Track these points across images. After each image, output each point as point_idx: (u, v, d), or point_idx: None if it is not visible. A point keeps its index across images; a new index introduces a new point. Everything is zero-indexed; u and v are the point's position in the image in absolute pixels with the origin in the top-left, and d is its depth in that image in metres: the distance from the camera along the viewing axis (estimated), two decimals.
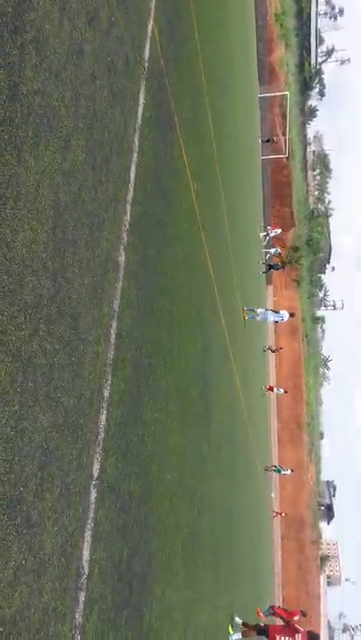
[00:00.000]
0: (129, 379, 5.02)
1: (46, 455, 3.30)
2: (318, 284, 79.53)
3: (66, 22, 3.71)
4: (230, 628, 11.40)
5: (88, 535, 3.89)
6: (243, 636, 11.46)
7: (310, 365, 55.80)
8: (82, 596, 3.75)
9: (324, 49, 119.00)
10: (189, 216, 8.51)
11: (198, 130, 9.90)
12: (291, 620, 11.33)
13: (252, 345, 22.83)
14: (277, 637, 10.95)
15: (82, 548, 3.78)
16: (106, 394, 4.40)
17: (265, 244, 34.03)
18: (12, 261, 2.93)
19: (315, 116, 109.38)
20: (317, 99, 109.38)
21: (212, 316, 11.33)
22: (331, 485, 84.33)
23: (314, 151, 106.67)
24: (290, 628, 11.00)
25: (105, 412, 4.36)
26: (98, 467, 4.15)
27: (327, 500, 76.06)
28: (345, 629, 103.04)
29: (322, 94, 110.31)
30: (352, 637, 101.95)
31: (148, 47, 6.04)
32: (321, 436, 65.38)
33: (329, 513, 77.69)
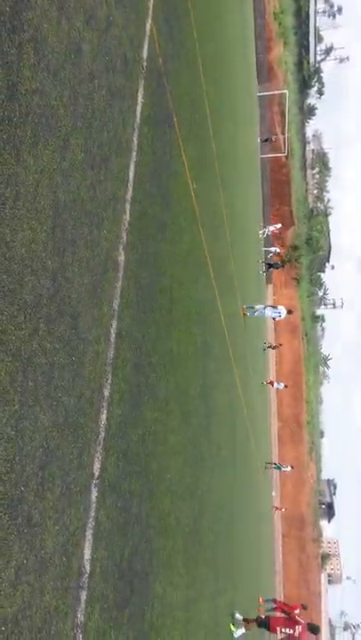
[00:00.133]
0: (129, 378, 5.02)
1: (47, 454, 3.31)
2: (318, 283, 79.52)
3: (64, 21, 3.71)
4: (232, 626, 11.45)
5: (89, 534, 3.89)
6: (243, 621, 11.58)
7: (310, 364, 55.81)
8: (83, 595, 3.76)
9: (323, 47, 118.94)
10: (189, 215, 8.51)
11: (197, 128, 9.89)
12: (292, 613, 11.42)
13: (252, 343, 22.84)
14: (278, 629, 11.07)
15: (83, 547, 3.78)
16: (106, 393, 4.40)
17: (263, 242, 34.04)
18: (11, 261, 2.93)
19: (314, 115, 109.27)
20: (316, 97, 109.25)
21: (212, 315, 11.32)
22: (331, 484, 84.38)
23: (313, 150, 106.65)
24: (290, 620, 11.13)
25: (105, 411, 4.36)
26: (98, 466, 4.16)
27: (328, 499, 76.11)
28: (346, 627, 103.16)
29: (321, 93, 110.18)
30: (353, 635, 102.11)
31: (146, 46, 6.04)
32: (321, 434, 65.41)
33: (330, 511, 77.76)
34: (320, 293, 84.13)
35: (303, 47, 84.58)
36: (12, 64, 2.96)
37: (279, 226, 34.99)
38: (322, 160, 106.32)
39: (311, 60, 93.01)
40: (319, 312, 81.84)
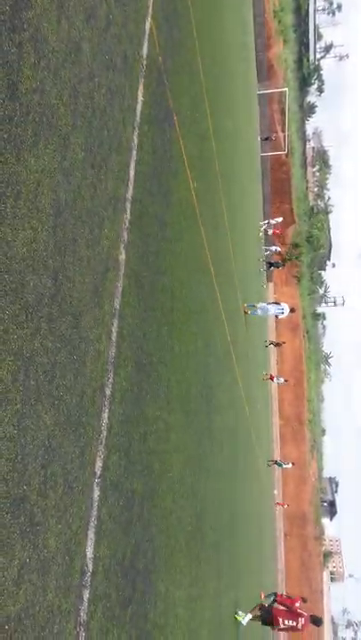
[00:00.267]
0: (130, 377, 5.03)
1: (49, 453, 3.31)
2: (319, 281, 79.49)
3: (64, 20, 3.70)
4: (240, 613, 11.68)
5: (91, 533, 3.90)
6: (251, 615, 11.81)
7: (311, 362, 55.79)
8: (86, 594, 3.76)
9: (323, 45, 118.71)
10: (189, 214, 8.51)
11: (197, 127, 9.89)
12: (293, 606, 11.49)
13: (253, 342, 22.83)
14: (281, 620, 11.16)
15: (85, 546, 3.79)
16: (108, 392, 4.40)
17: (264, 241, 34.03)
18: (12, 260, 2.93)
19: (314, 113, 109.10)
20: (316, 95, 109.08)
21: (213, 314, 11.32)
22: (333, 482, 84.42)
23: (313, 147, 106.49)
24: (293, 613, 11.20)
25: (107, 409, 4.37)
26: (100, 464, 4.16)
27: (330, 497, 76.14)
28: (348, 625, 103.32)
29: (321, 90, 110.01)
30: (355, 633, 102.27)
31: (146, 45, 6.03)
32: (323, 432, 65.42)
33: (331, 509, 77.78)
34: (321, 291, 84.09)
35: (303, 45, 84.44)
36: (12, 63, 2.96)
37: (280, 219, 34.96)
38: (322, 158, 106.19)
39: (311, 57, 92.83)
40: (320, 310, 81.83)
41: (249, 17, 35.54)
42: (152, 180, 6.06)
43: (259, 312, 19.35)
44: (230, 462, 13.22)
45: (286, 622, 11.26)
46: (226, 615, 10.87)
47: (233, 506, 13.19)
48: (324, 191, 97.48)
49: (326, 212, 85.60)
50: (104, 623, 4.06)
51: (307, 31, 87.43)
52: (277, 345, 37.29)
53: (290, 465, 34.73)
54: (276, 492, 36.24)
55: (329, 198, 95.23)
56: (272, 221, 33.99)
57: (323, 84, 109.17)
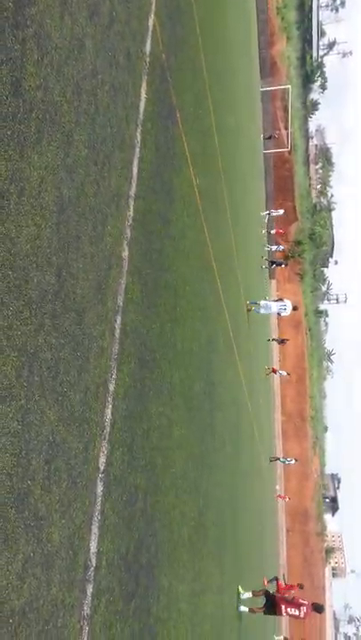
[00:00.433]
0: (134, 373, 5.05)
1: (53, 449, 3.33)
2: (321, 278, 79.35)
3: (67, 17, 3.71)
4: (240, 588, 11.91)
5: (95, 528, 3.92)
6: (252, 595, 12.09)
7: (314, 359, 55.77)
8: (89, 588, 3.79)
9: (326, 42, 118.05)
10: (192, 211, 8.51)
11: (200, 124, 9.88)
12: (295, 598, 11.79)
13: (255, 339, 22.84)
14: (284, 609, 11.52)
15: (89, 541, 3.82)
16: (111, 388, 4.43)
17: (267, 239, 34.01)
18: (16, 257, 2.95)
19: (317, 110, 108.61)
20: (319, 92, 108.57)
21: (216, 311, 11.34)
22: (335, 478, 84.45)
23: (316, 145, 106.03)
24: (294, 603, 11.54)
25: (110, 405, 4.39)
26: (104, 460, 4.19)
27: (331, 493, 76.19)
28: (350, 620, 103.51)
29: (324, 87, 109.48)
30: (357, 628, 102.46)
31: (149, 42, 6.03)
32: (325, 429, 65.42)
33: (333, 505, 77.86)
34: (323, 288, 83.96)
35: (306, 42, 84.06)
36: (15, 60, 2.97)
37: (282, 211, 34.87)
38: (325, 155, 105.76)
39: (314, 54, 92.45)
40: (323, 307, 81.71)
41: (252, 14, 35.42)
42: (155, 177, 6.07)
43: (262, 310, 19.29)
44: (233, 458, 13.25)
45: (289, 611, 11.58)
46: (228, 610, 10.92)
47: (235, 501, 13.23)
48: (327, 188, 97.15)
49: (329, 209, 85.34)
50: (107, 617, 4.09)
51: (310, 28, 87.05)
52: (281, 342, 37.31)
53: (293, 461, 34.78)
54: (278, 487, 36.30)
55: (332, 196, 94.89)
56: (273, 212, 33.91)
57: (326, 82, 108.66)
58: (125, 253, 4.86)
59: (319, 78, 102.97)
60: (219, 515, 10.07)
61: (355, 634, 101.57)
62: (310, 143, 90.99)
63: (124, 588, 4.45)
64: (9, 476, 2.83)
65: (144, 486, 5.17)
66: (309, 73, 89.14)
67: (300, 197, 51.80)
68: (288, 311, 20.08)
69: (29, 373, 3.07)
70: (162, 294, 6.29)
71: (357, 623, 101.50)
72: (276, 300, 21.00)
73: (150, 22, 6.11)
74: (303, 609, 11.48)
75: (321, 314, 78.34)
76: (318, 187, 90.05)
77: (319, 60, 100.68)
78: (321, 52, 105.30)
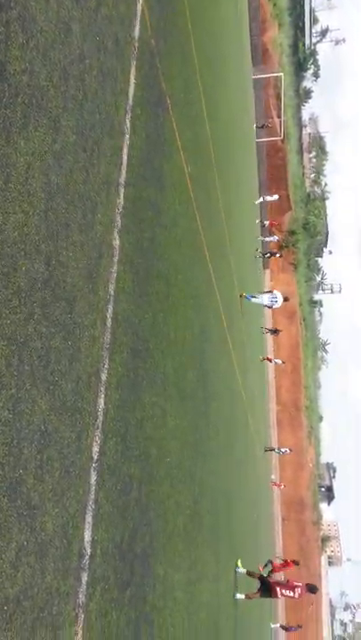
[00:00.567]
0: (126, 362, 5.03)
1: (45, 438, 3.32)
2: (316, 268, 79.34)
3: (52, 0, 3.64)
4: (239, 562, 12.22)
5: (89, 517, 3.92)
6: (247, 574, 12.36)
7: (308, 349, 55.96)
8: (84, 577, 3.80)
9: (319, 29, 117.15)
10: (184, 199, 8.45)
11: (191, 111, 9.79)
12: (289, 580, 12.02)
13: (249, 328, 22.86)
14: (279, 591, 11.78)
15: (83, 530, 3.81)
16: (103, 377, 4.41)
17: (261, 231, 33.95)
18: (3, 244, 2.90)
19: (310, 98, 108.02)
20: (312, 80, 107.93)
21: (209, 301, 11.31)
22: (331, 467, 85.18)
23: (309, 133, 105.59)
24: (289, 585, 11.81)
25: (103, 395, 4.37)
26: (97, 449, 4.18)
27: (327, 482, 76.84)
28: (346, 607, 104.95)
29: (316, 75, 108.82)
30: (353, 615, 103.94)
31: (137, 26, 5.94)
32: (320, 418, 65.83)
33: (329, 494, 78.53)
34: (318, 278, 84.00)
35: (298, 29, 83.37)
36: (0, 43, 2.91)
37: (276, 197, 34.75)
38: (319, 144, 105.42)
39: (307, 42, 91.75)
40: (317, 297, 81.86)
41: None
42: (145, 164, 6.01)
43: (253, 300, 19.31)
44: (227, 448, 13.30)
45: (284, 592, 11.83)
46: (224, 598, 11.02)
47: (230, 490, 13.30)
48: (321, 177, 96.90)
49: (323, 198, 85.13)
50: (103, 605, 4.10)
51: (302, 15, 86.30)
52: (274, 332, 37.41)
53: (288, 451, 35.07)
54: (273, 476, 36.56)
55: (326, 185, 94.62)
56: (268, 197, 33.77)
57: (319, 69, 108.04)
58: (116, 242, 4.82)
59: (312, 66, 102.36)
60: (213, 504, 10.11)
61: (351, 620, 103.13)
62: (304, 132, 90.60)
63: (119, 576, 4.46)
64: (0, 465, 2.81)
65: (138, 476, 5.17)
66: (302, 60, 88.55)
67: (294, 186, 51.68)
68: (279, 303, 20.07)
69: (19, 362, 3.04)
70: (154, 283, 6.25)
71: (353, 610, 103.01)
72: (268, 292, 20.99)
73: (139, 6, 6.01)
74: (298, 590, 11.73)
75: (315, 304, 78.50)
76: (312, 176, 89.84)
77: (312, 47, 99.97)
78: (314, 40, 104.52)
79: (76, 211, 3.91)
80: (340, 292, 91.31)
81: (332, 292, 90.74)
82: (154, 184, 6.38)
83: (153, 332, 6.10)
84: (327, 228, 79.96)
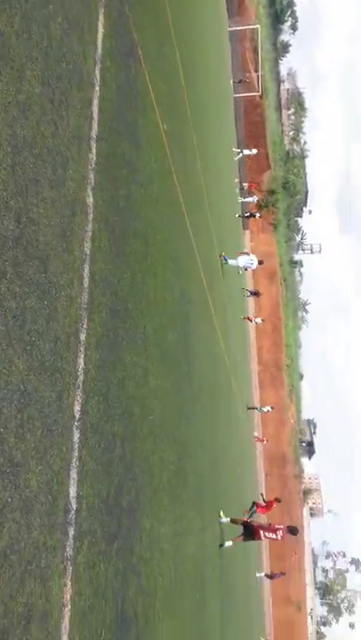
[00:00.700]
0: (105, 323, 5.00)
1: (25, 397, 3.31)
2: (295, 228, 79.17)
3: None
4: (221, 513, 12.60)
5: (74, 473, 3.97)
6: (231, 522, 12.84)
7: (289, 309, 56.52)
8: (71, 531, 3.88)
9: None
10: (160, 156, 8.25)
11: (165, 64, 9.44)
12: (271, 524, 12.47)
13: (230, 289, 22.91)
14: (262, 534, 12.31)
15: (68, 486, 3.87)
16: (82, 337, 4.38)
17: (240, 193, 33.57)
18: None
19: (288, 52, 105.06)
20: (290, 33, 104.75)
21: (189, 261, 11.24)
22: (311, 423, 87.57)
23: (288, 89, 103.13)
24: (271, 528, 12.34)
25: (83, 355, 4.36)
26: (79, 408, 4.19)
27: (308, 438, 79.18)
28: (328, 556, 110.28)
29: (294, 28, 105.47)
30: (334, 563, 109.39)
31: None
32: (301, 377, 67.16)
33: (310, 449, 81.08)
34: (298, 239, 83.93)
35: None
36: None
37: (255, 151, 34.27)
38: (297, 100, 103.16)
39: None
40: (297, 257, 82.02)
41: None
42: (118, 118, 5.82)
43: (230, 262, 19.39)
44: (210, 406, 13.53)
45: (267, 535, 12.33)
46: (210, 550, 11.44)
47: (214, 447, 13.62)
48: (300, 135, 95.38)
49: (302, 156, 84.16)
50: (91, 557, 4.21)
51: None
52: (255, 294, 37.64)
53: (270, 409, 35.91)
54: (256, 433, 37.52)
55: (305, 142, 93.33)
56: (246, 151, 33.24)
57: (296, 22, 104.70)
58: (90, 199, 4.71)
59: (289, 18, 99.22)
60: (198, 460, 10.36)
61: (332, 567, 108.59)
62: (282, 87, 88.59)
63: (106, 529, 4.57)
64: None
65: (122, 434, 5.23)
66: (279, 12, 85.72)
67: (273, 144, 50.93)
68: (254, 265, 20.53)
69: None
70: (131, 243, 6.17)
71: (334, 558, 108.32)
72: (244, 254, 21.15)
73: None
74: (280, 532, 12.25)
75: (296, 264, 78.76)
76: (291, 133, 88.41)
77: None
78: None
79: (46, 166, 3.78)
80: (320, 252, 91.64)
81: (312, 252, 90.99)
82: (128, 139, 6.19)
83: (132, 292, 6.06)
84: (307, 187, 79.49)
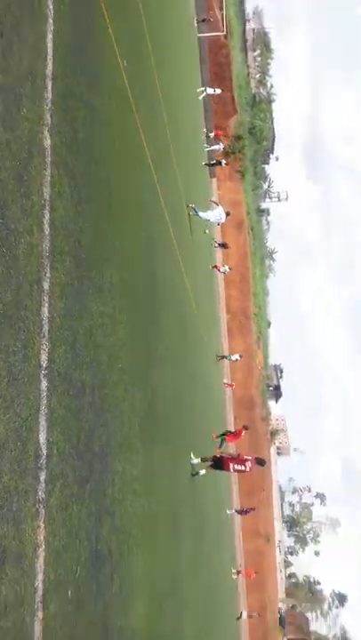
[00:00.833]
0: (70, 271, 4.92)
1: None
2: (262, 176, 78.11)
3: None
4: (192, 454, 13.02)
5: (43, 420, 4.01)
6: (202, 461, 13.22)
7: (256, 258, 56.65)
8: (42, 475, 3.96)
9: None
10: (121, 96, 7.91)
11: None
12: (239, 455, 12.96)
13: (197, 239, 22.74)
14: (231, 466, 12.83)
15: (38, 432, 3.91)
16: (46, 286, 4.31)
17: (206, 140, 32.75)
18: None
19: None
20: None
21: (155, 208, 11.04)
22: (278, 368, 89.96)
23: (253, 29, 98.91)
24: (239, 459, 12.86)
25: (47, 304, 4.31)
26: (45, 357, 4.18)
27: (275, 382, 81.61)
28: (294, 491, 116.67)
29: None
30: (300, 497, 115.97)
31: None
32: (268, 324, 68.35)
33: (277, 393, 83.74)
34: (265, 186, 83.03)
35: None
36: None
37: (220, 91, 33.24)
38: (263, 41, 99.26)
39: None
40: (264, 206, 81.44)
41: None
42: (74, 55, 5.50)
43: (201, 215, 19.19)
44: (180, 354, 13.72)
45: (236, 467, 12.85)
46: (181, 489, 11.91)
47: (184, 394, 13.92)
48: (267, 78, 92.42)
49: (269, 100, 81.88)
50: (63, 500, 4.33)
51: None
52: (223, 246, 37.53)
53: (238, 358, 36.65)
54: (226, 380, 38.46)
55: (272, 86, 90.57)
56: (210, 90, 32.17)
57: None
58: (47, 142, 4.51)
59: None
60: (168, 405, 10.59)
61: (298, 502, 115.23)
62: (247, 27, 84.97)
63: (77, 473, 4.68)
64: None
65: (90, 382, 5.28)
66: None
67: (239, 88, 49.33)
68: (223, 218, 20.64)
69: None
70: (94, 189, 5.99)
71: (300, 492, 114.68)
72: (212, 202, 21.11)
73: None
74: (248, 464, 12.81)
75: (263, 212, 78.31)
76: (257, 76, 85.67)
77: None
78: None
79: None
80: (286, 199, 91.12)
81: (279, 199, 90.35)
82: (85, 79, 5.89)
83: (96, 240, 5.95)
84: (274, 133, 77.96)
